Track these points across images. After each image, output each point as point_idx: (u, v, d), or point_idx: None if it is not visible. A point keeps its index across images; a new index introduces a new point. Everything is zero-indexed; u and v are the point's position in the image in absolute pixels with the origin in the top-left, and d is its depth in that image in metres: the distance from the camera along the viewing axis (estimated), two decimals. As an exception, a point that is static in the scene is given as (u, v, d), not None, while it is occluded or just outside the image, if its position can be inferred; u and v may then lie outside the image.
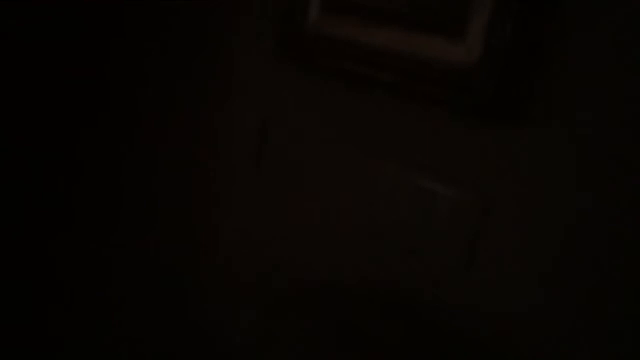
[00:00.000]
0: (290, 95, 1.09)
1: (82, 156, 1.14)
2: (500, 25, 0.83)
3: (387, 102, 0.98)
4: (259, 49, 1.14)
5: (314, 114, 1.05)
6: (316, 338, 0.82)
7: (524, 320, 0.83)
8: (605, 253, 0.78)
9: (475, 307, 0.86)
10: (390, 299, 0.90)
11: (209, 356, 1.05)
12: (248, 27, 1.15)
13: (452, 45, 0.88)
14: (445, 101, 0.89)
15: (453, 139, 0.91)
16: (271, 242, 1.05)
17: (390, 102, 0.98)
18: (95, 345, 1.11)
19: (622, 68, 0.77)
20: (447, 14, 0.88)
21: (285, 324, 0.85)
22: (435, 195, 0.91)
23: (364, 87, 1.01)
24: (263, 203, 1.08)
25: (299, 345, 0.82)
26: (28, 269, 1.08)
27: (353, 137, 1.02)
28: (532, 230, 0.84)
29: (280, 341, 0.83)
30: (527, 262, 0.84)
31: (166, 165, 1.16)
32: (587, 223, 0.80)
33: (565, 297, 0.81)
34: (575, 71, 0.81)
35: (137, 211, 1.16)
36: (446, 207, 0.89)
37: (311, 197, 1.01)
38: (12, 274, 1.07)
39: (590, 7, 0.79)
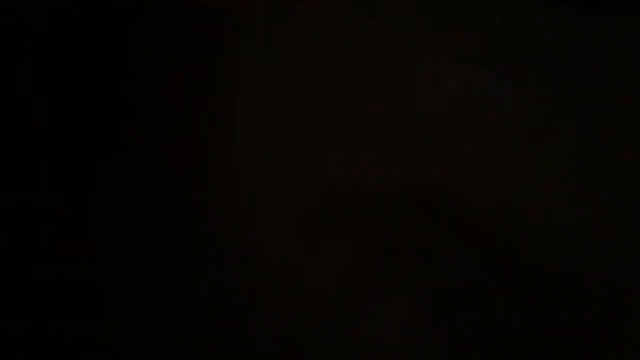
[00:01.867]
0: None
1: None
2: None
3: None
4: None
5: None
6: (359, 249, 0.81)
7: (568, 231, 0.80)
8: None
9: (524, 213, 0.82)
10: (435, 205, 0.87)
11: (247, 274, 1.02)
12: None
13: None
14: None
15: (516, 24, 0.83)
16: (300, 150, 0.99)
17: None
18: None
19: None
20: None
21: (325, 236, 0.84)
22: (487, 89, 0.84)
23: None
24: (283, 104, 1.01)
25: (341, 258, 0.82)
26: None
27: (389, 21, 0.91)
28: (595, 140, 0.80)
29: (321, 254, 0.83)
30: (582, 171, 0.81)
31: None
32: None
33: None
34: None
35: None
36: (502, 105, 0.83)
37: (339, 95, 0.95)
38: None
39: None
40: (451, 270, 0.80)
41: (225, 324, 0.98)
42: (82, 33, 1.12)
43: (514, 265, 0.80)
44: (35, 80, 1.11)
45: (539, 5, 0.84)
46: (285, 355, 0.89)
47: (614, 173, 0.81)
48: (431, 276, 0.80)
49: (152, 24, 1.12)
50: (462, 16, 0.88)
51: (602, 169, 0.82)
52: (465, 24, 0.87)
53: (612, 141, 0.81)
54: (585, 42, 0.82)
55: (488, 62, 0.86)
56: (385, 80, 0.93)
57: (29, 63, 1.10)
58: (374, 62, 0.94)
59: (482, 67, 0.85)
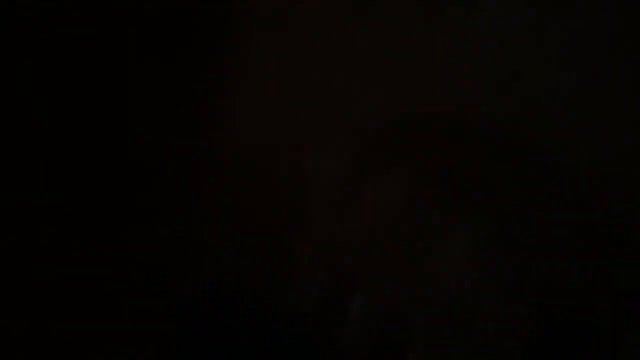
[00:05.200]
0: None
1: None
2: None
3: None
4: None
5: None
6: (412, 181, 0.80)
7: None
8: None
9: (584, 142, 0.80)
10: (487, 134, 0.84)
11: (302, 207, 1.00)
12: None
13: None
14: None
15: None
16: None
17: None
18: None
19: None
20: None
21: (377, 167, 0.83)
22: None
23: None
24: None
25: (393, 190, 0.80)
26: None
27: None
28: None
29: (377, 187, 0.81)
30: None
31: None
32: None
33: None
34: None
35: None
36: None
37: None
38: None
39: None
40: (513, 202, 0.77)
41: (279, 257, 0.96)
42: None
43: (575, 195, 0.78)
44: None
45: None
46: (338, 291, 0.87)
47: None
48: (492, 209, 0.77)
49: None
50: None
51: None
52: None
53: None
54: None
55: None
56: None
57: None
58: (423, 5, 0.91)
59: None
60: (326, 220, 0.88)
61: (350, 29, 0.94)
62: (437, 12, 0.90)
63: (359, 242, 0.85)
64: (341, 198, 0.87)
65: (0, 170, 0.97)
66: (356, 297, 0.83)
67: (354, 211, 0.85)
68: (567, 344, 0.76)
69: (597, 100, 0.81)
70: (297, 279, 0.90)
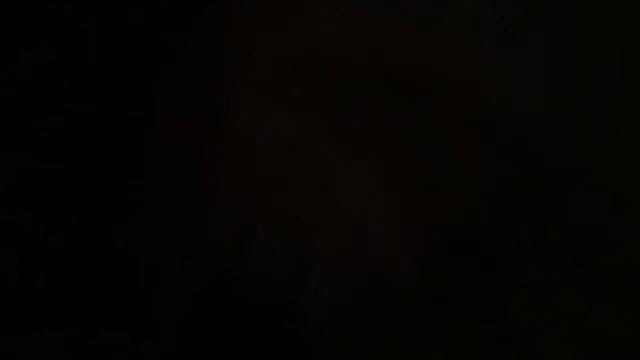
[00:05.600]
0: None
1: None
2: None
3: None
4: None
5: None
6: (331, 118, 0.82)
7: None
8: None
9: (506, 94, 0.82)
10: (406, 79, 0.85)
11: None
12: None
13: None
14: None
15: None
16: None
17: None
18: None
19: None
20: None
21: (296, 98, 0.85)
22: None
23: None
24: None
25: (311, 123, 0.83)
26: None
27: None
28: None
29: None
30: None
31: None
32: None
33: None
34: None
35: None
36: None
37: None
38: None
39: None
40: (429, 150, 0.81)
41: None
42: None
43: (488, 131, 0.81)
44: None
45: None
46: (245, 223, 0.90)
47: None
48: (405, 140, 0.80)
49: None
50: None
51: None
52: None
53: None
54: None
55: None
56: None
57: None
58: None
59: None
60: (237, 157, 0.91)
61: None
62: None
63: (265, 175, 0.89)
64: (251, 132, 0.89)
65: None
66: (258, 228, 0.88)
67: (263, 142, 0.88)
68: (459, 263, 0.81)
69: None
70: (215, 219, 0.94)
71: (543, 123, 0.80)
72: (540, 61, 0.81)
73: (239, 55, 0.96)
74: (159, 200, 1.00)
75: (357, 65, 0.88)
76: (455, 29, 0.84)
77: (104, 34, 1.05)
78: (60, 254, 0.97)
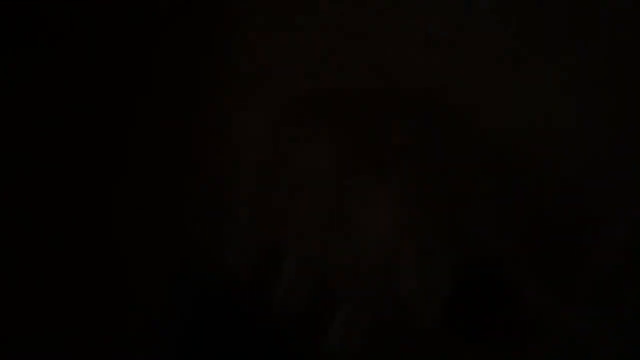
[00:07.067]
0: None
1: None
2: None
3: None
4: None
5: None
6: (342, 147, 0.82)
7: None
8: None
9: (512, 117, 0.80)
10: (414, 98, 0.85)
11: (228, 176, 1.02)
12: None
13: None
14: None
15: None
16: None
17: None
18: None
19: None
20: None
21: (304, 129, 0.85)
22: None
23: None
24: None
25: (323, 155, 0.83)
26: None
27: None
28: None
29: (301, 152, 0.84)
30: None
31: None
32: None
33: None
34: None
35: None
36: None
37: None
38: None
39: None
40: (439, 168, 0.80)
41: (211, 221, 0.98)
42: None
43: (503, 162, 0.80)
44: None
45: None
46: (269, 257, 0.90)
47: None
48: (416, 174, 0.79)
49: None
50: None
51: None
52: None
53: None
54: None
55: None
56: None
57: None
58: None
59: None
60: (255, 187, 0.92)
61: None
62: None
63: (285, 209, 0.88)
64: (267, 164, 0.90)
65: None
66: (286, 263, 0.87)
67: (280, 178, 0.88)
68: (482, 301, 0.79)
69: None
70: (231, 246, 0.94)
71: (549, 146, 0.79)
72: (545, 82, 0.80)
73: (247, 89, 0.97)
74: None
75: (365, 89, 0.89)
76: (460, 49, 0.83)
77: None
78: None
